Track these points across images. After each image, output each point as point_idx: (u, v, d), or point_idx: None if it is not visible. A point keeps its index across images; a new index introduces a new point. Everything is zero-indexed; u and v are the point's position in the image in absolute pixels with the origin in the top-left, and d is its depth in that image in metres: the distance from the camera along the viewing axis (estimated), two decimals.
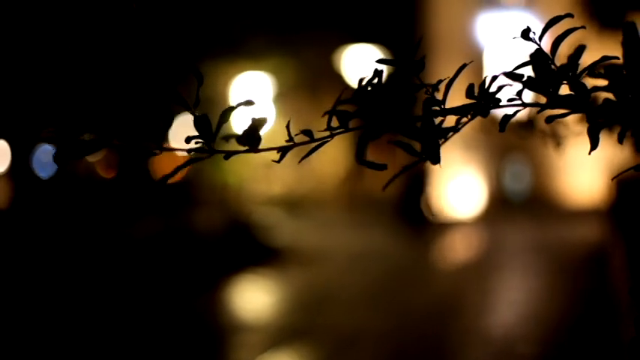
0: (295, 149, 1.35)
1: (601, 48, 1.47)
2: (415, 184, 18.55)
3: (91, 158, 22.18)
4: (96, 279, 12.50)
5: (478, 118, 1.36)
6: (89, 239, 14.48)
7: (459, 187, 29.14)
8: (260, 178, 27.30)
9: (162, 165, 22.44)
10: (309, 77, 24.76)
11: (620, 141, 1.40)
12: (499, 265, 14.59)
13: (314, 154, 1.33)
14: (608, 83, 1.32)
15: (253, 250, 15.24)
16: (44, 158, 20.19)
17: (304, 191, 29.51)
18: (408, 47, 1.32)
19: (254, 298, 11.95)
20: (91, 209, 17.33)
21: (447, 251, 18.12)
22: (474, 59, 25.26)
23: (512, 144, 28.13)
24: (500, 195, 29.75)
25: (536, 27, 1.38)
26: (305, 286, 12.51)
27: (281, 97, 22.27)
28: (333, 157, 29.51)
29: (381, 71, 1.31)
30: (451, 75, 1.35)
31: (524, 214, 25.84)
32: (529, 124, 2.95)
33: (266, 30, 21.51)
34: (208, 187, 20.14)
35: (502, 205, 28.64)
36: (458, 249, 18.46)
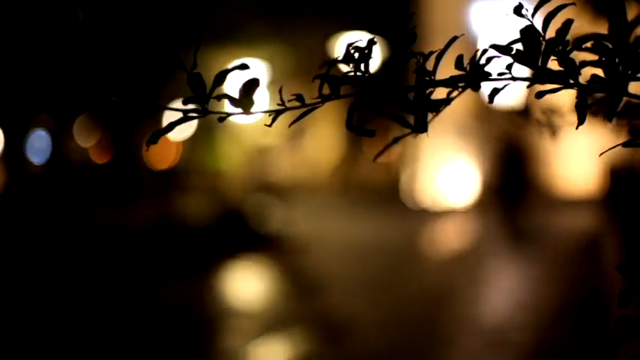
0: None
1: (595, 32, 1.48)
2: (513, 161, 18.04)
3: (85, 144, 22.14)
4: (87, 265, 12.50)
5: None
6: (81, 225, 14.47)
7: (451, 174, 29.15)
8: (253, 165, 27.28)
9: (155, 152, 22.41)
10: (304, 64, 24.72)
11: (610, 118, 1.40)
12: (492, 254, 14.62)
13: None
14: (597, 58, 1.33)
15: (246, 237, 15.24)
16: (38, 144, 20.17)
17: (298, 178, 29.51)
18: (401, 19, 1.33)
19: (247, 284, 11.97)
20: (83, 195, 17.32)
21: (441, 239, 18.15)
22: (468, 44, 25.24)
23: (507, 133, 28.13)
24: (494, 184, 29.76)
25: (532, 8, 1.38)
26: (297, 273, 12.53)
27: (276, 84, 22.24)
28: (328, 144, 29.51)
29: (375, 41, 1.32)
30: (446, 63, 1.36)
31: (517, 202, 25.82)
32: (524, 112, 2.96)
33: (261, 17, 21.48)
34: (202, 174, 20.14)
35: (495, 194, 28.64)
36: (452, 237, 18.49)
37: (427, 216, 22.97)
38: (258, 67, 20.95)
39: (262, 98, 1.35)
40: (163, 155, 22.87)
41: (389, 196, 27.94)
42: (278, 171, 29.26)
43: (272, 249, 14.76)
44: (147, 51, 15.32)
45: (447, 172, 29.15)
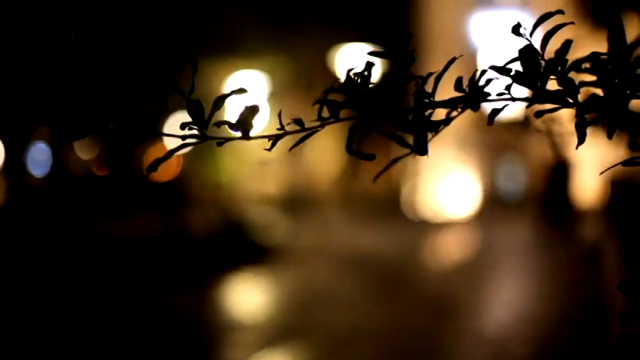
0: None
1: (594, 47, 1.48)
2: (558, 176, 17.88)
3: (85, 156, 22.15)
4: (89, 276, 12.49)
5: (473, 116, 1.38)
6: (82, 237, 14.47)
7: (452, 186, 29.16)
8: (254, 177, 27.31)
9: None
10: (304, 76, 24.77)
11: (610, 136, 1.41)
12: (493, 265, 14.61)
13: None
14: (596, 78, 1.33)
15: (247, 249, 15.24)
16: (39, 156, 20.18)
17: (299, 190, 29.52)
18: (400, 40, 1.34)
19: (248, 296, 11.96)
20: (84, 207, 17.32)
21: (442, 250, 18.14)
22: (467, 58, 25.29)
23: (507, 143, 28.16)
24: (495, 195, 29.78)
25: (531, 26, 1.39)
26: (298, 285, 12.52)
27: (276, 96, 22.28)
28: (328, 156, 29.53)
29: (373, 63, 1.32)
30: (446, 81, 1.36)
31: (519, 213, 25.86)
32: (525, 122, 2.96)
33: (261, 29, 21.52)
34: (203, 186, 20.15)
35: (496, 205, 28.67)
36: (453, 249, 18.48)
37: (428, 227, 22.96)
38: (259, 79, 20.99)
39: (262, 114, 1.36)
40: (164, 168, 22.88)
41: (390, 208, 27.95)
42: (279, 183, 29.27)
43: (273, 261, 14.76)
44: (144, 74, 15.34)
45: (447, 183, 29.16)
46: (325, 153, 29.35)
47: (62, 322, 9.60)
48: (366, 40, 24.26)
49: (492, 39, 26.83)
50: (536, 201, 19.87)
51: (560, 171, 17.24)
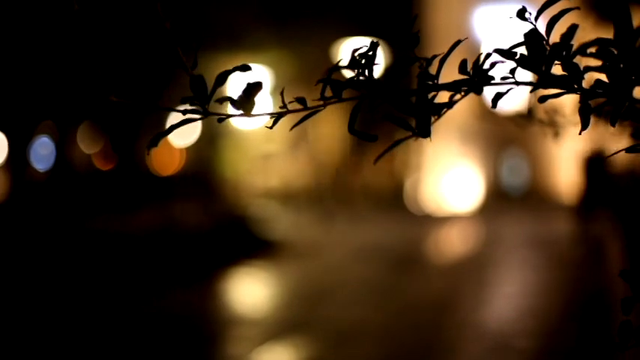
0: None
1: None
2: (594, 169, 17.46)
3: (89, 150, 22.15)
4: (91, 271, 12.50)
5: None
6: (85, 231, 14.47)
7: (455, 180, 29.14)
8: (258, 171, 27.30)
9: (160, 158, 22.44)
10: (308, 70, 24.75)
11: (613, 123, 1.40)
12: (496, 259, 14.60)
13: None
14: (601, 64, 1.32)
15: (250, 243, 15.23)
16: (42, 150, 20.19)
17: (302, 184, 29.52)
18: (404, 23, 1.33)
19: (250, 291, 11.96)
20: (87, 201, 17.32)
21: (444, 245, 18.14)
22: (471, 53, 25.17)
23: (510, 137, 28.13)
24: (498, 189, 29.76)
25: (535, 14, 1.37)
26: (301, 279, 12.52)
27: (279, 90, 22.25)
28: (331, 151, 29.51)
29: (377, 43, 1.31)
30: (449, 68, 1.35)
31: (522, 207, 25.86)
32: (528, 114, 2.95)
33: (264, 23, 21.50)
34: (205, 180, 20.14)
35: (499, 199, 28.66)
36: (456, 242, 18.48)
37: (431, 221, 22.95)
38: (262, 73, 20.97)
39: (265, 103, 1.35)
40: (167, 161, 22.89)
41: (393, 202, 27.94)
42: (281, 177, 29.26)
43: (276, 255, 14.76)
44: (148, 50, 15.30)
45: (450, 177, 29.14)
46: (328, 147, 29.33)
47: (65, 317, 9.60)
48: (370, 34, 24.23)
49: (496, 33, 26.80)
50: (572, 196, 19.44)
51: (595, 164, 16.84)
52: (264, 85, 1.28)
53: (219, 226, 15.71)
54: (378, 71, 1.34)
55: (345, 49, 23.95)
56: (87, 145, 22.22)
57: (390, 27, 23.67)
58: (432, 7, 29.96)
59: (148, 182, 19.37)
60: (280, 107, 1.30)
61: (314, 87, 1.35)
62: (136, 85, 14.28)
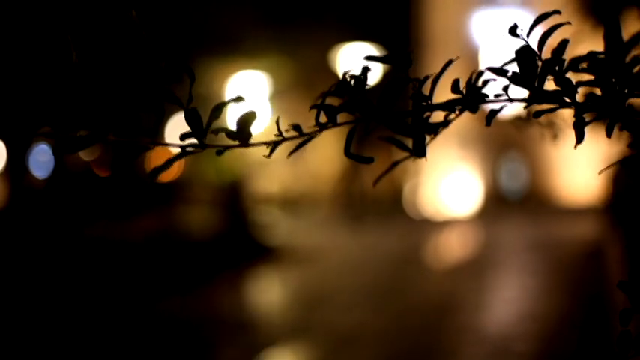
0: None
1: (596, 45, 1.49)
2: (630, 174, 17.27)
3: (87, 157, 22.18)
4: (90, 278, 12.50)
5: (475, 114, 1.38)
6: (84, 238, 14.48)
7: (454, 184, 29.15)
8: (257, 177, 27.29)
9: (158, 165, 22.41)
10: (306, 76, 24.78)
11: (608, 135, 1.42)
12: (495, 263, 14.61)
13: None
14: (594, 78, 1.34)
15: (250, 249, 15.25)
16: (41, 158, 20.19)
17: (301, 190, 29.53)
18: (401, 44, 1.35)
19: (250, 296, 11.97)
20: (86, 208, 17.33)
21: (443, 249, 18.14)
22: (469, 57, 25.29)
23: (509, 141, 28.14)
24: (497, 193, 29.78)
25: (529, 25, 1.39)
26: (302, 284, 12.53)
27: (277, 96, 22.28)
28: (330, 157, 29.53)
29: (369, 68, 1.33)
30: (447, 73, 1.37)
31: (521, 211, 25.87)
32: (527, 117, 2.96)
33: (262, 28, 21.53)
34: (204, 186, 20.14)
35: (498, 203, 28.67)
36: (455, 247, 18.49)
37: (430, 226, 22.96)
38: (260, 79, 20.98)
39: (261, 117, 1.37)
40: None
41: (392, 207, 27.93)
42: (282, 183, 29.27)
43: (276, 260, 14.76)
44: (142, 86, 15.36)
45: (449, 181, 29.15)
46: (328, 152, 29.35)
47: (66, 324, 9.61)
48: (368, 39, 24.27)
49: (494, 38, 26.82)
50: (603, 201, 19.26)
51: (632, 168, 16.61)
52: (257, 115, 1.30)
53: (219, 232, 15.73)
54: (372, 87, 1.36)
55: (344, 55, 23.98)
56: (85, 153, 22.23)
57: (388, 33, 23.69)
58: (430, 11, 29.98)
59: (147, 189, 19.37)
60: (275, 135, 1.33)
61: (312, 93, 1.37)
62: (131, 119, 14.37)
